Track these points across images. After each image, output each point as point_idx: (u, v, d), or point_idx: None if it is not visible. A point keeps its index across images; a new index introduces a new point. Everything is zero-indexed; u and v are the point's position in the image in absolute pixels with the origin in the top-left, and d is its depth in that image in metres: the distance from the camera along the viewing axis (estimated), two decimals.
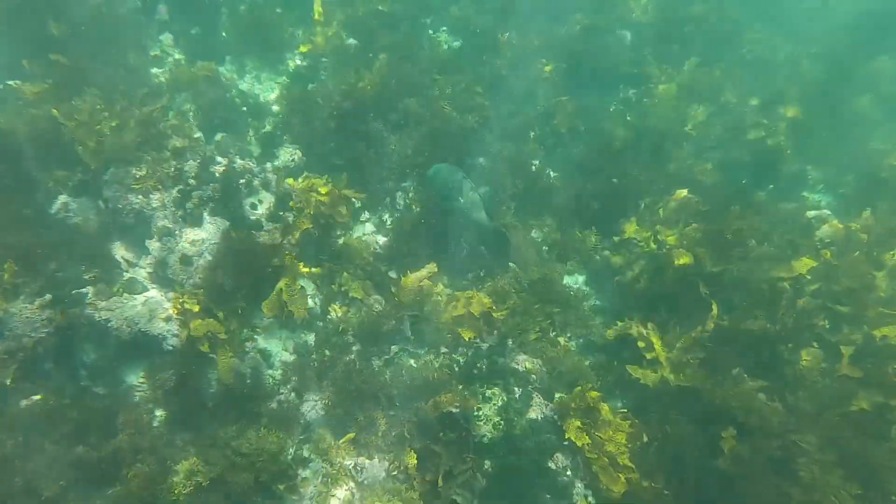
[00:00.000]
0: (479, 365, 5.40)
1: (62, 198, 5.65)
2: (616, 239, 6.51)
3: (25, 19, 6.27)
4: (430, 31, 8.38)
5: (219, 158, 5.82)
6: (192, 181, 5.60)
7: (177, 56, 7.34)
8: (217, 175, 5.70)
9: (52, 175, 5.74)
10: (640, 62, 8.33)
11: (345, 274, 5.83)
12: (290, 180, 6.08)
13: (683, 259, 6.06)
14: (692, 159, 7.47)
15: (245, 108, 7.02)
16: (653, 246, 6.38)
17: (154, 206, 5.45)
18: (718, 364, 5.36)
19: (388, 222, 6.56)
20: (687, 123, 7.89)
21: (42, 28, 6.33)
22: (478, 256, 6.29)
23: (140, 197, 5.48)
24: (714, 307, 5.54)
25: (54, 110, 5.55)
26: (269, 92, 7.38)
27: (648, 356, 5.53)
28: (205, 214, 5.53)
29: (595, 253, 6.64)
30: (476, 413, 4.97)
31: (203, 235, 5.44)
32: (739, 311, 5.69)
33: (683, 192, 6.42)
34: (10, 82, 6.00)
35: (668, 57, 8.47)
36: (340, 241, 5.97)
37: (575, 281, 6.70)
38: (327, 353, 5.39)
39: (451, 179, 5.63)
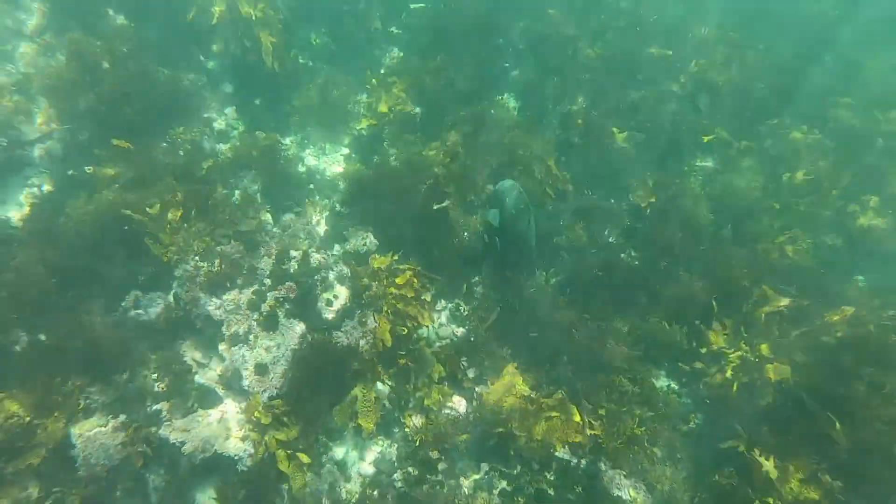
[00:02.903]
0: (576, 488, 4.94)
1: (133, 293, 5.40)
2: (704, 350, 6.00)
3: (104, 105, 6.12)
4: (497, 96, 8.07)
5: (293, 253, 5.52)
6: (266, 280, 5.30)
7: (241, 129, 7.14)
8: (292, 271, 5.40)
9: (122, 267, 5.52)
10: (716, 128, 7.89)
11: (421, 381, 5.44)
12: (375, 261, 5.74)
13: (781, 374, 5.55)
14: (781, 239, 6.94)
15: (312, 185, 6.75)
16: (745, 349, 5.89)
17: (228, 307, 5.14)
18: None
19: (465, 311, 6.18)
20: (771, 197, 7.40)
21: (116, 111, 6.17)
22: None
23: (213, 298, 5.18)
24: (837, 425, 5.00)
25: (127, 211, 5.32)
26: (336, 165, 7.11)
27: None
28: (280, 316, 5.20)
29: (682, 352, 6.16)
30: None
31: (279, 340, 5.10)
32: (863, 431, 5.15)
33: (781, 301, 5.91)
34: (87, 168, 5.83)
35: (747, 122, 8.03)
36: (419, 343, 5.57)
37: (660, 379, 6.22)
38: (411, 470, 4.98)
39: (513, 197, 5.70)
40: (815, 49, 8.79)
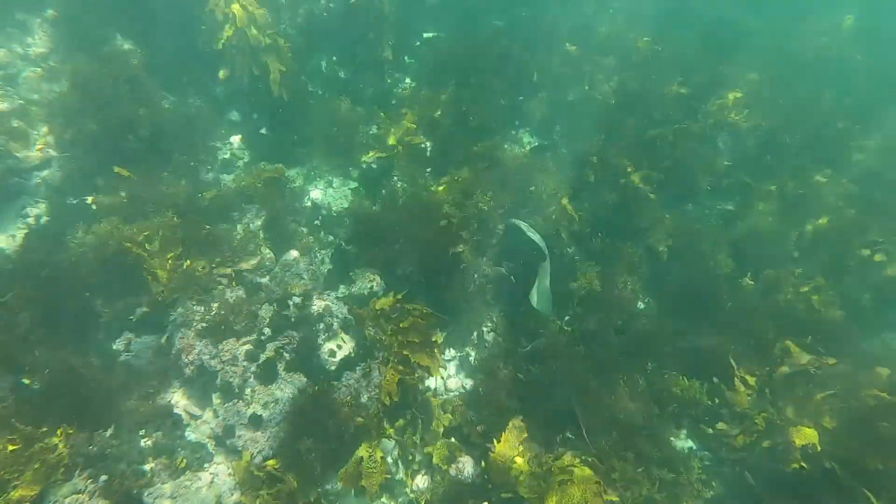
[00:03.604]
0: None
1: (126, 335, 5.11)
2: (724, 410, 5.69)
3: (106, 133, 5.91)
4: (511, 130, 7.85)
5: (295, 297, 5.23)
6: (266, 330, 5.00)
7: (246, 159, 6.90)
8: (293, 318, 5.10)
9: (117, 306, 5.23)
10: (738, 171, 7.63)
11: (428, 436, 5.12)
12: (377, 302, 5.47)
13: (807, 439, 5.22)
14: (805, 289, 6.63)
15: (317, 221, 6.48)
16: (771, 410, 5.57)
17: (224, 357, 4.84)
18: None
19: (473, 359, 5.87)
20: (792, 244, 7.11)
21: (119, 139, 5.97)
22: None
23: (209, 346, 4.88)
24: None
25: (127, 243, 5.06)
26: (343, 199, 6.85)
27: None
28: (280, 368, 4.89)
29: (704, 409, 5.83)
30: None
31: (277, 394, 4.79)
32: None
33: (803, 358, 5.61)
34: (88, 199, 5.60)
35: (769, 164, 7.77)
36: (426, 394, 5.25)
37: (680, 438, 5.87)
38: None
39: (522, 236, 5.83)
40: (838, 90, 8.58)
